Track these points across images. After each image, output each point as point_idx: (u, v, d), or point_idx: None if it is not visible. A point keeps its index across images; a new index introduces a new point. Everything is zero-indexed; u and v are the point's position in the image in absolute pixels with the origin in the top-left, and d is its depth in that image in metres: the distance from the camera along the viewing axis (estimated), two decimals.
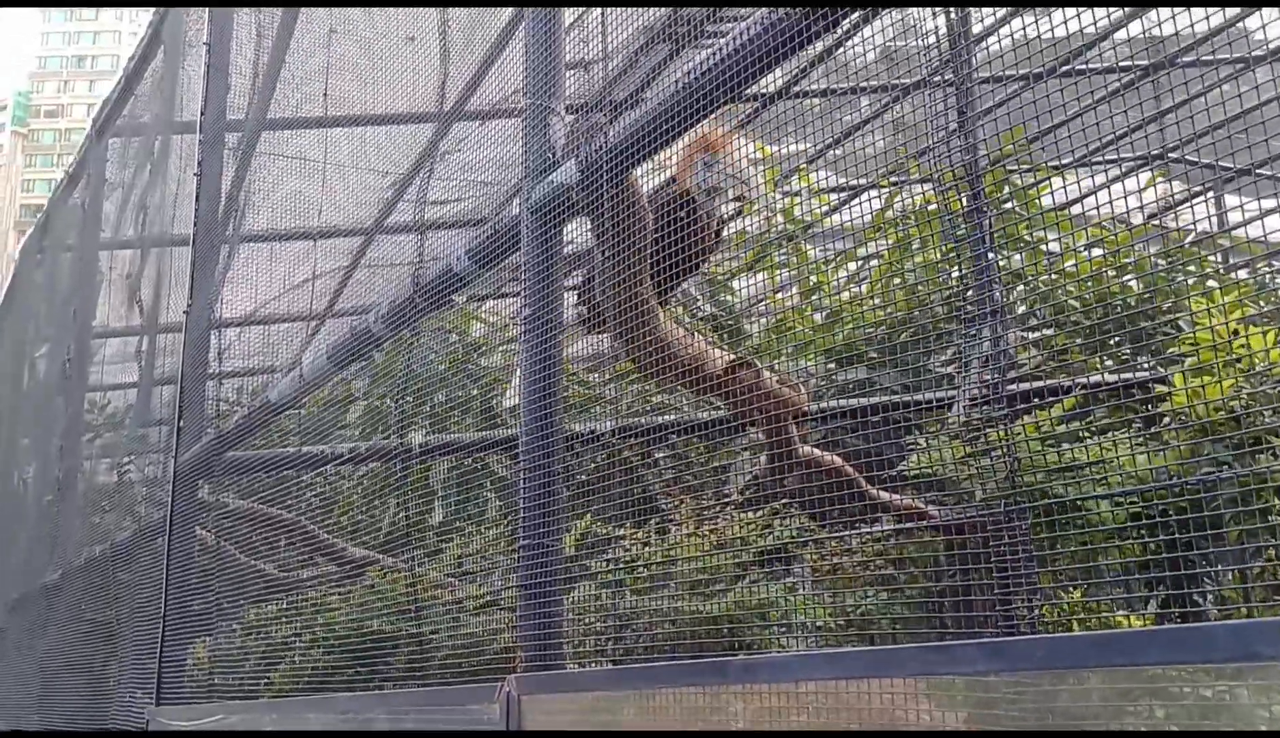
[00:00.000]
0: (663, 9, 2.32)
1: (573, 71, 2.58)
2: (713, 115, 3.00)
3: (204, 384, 4.92)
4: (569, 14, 2.52)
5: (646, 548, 2.94)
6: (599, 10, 2.37)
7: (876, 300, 3.89)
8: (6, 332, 11.41)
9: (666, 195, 2.86)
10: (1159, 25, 1.87)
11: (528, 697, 2.17)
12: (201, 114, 5.14)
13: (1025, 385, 3.51)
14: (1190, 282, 3.65)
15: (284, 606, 4.10)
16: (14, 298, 11.01)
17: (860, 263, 4.38)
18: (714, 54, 1.93)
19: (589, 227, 2.50)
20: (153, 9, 6.89)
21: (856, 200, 3.98)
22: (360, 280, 4.09)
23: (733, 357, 3.15)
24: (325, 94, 3.90)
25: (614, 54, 2.38)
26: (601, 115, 2.29)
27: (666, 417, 3.62)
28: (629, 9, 2.30)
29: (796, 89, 2.99)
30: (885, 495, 3.12)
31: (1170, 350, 3.13)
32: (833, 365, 3.71)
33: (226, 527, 4.63)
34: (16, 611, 8.98)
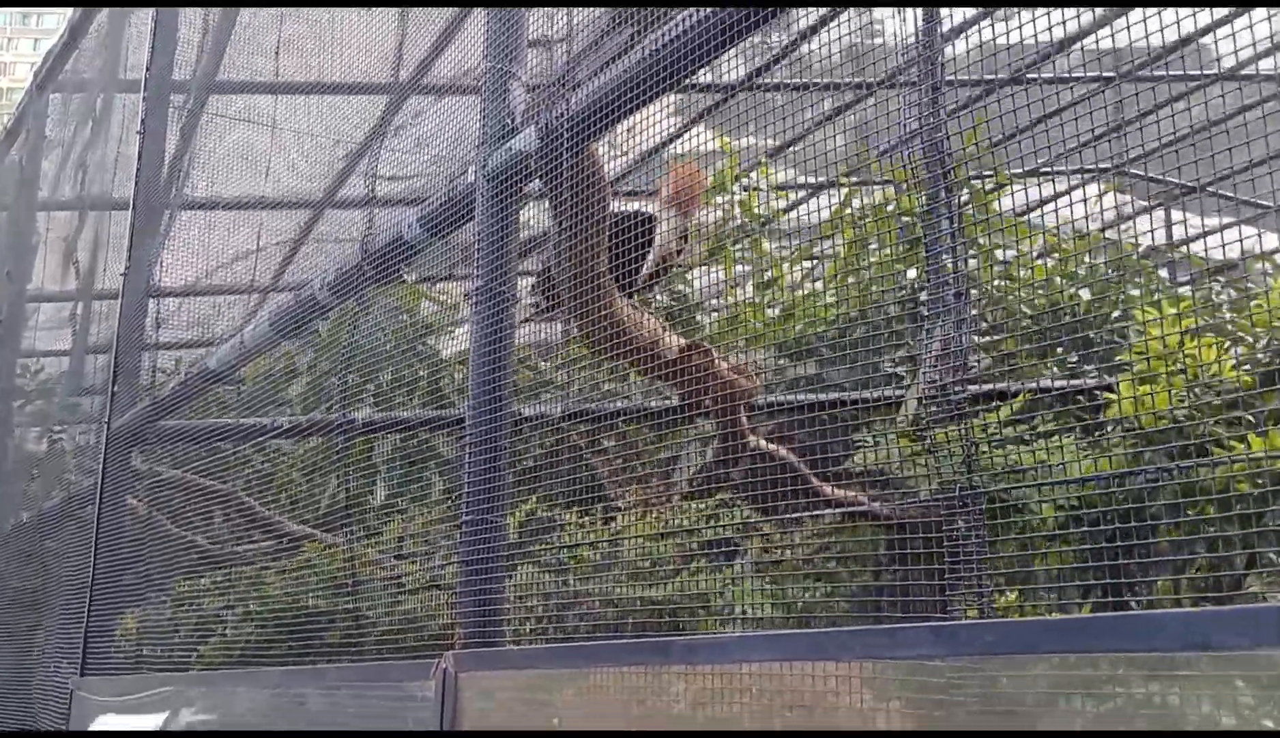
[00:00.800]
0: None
1: (535, 47, 2.53)
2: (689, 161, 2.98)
3: (140, 351, 4.79)
4: None
5: (591, 533, 2.91)
6: None
7: (831, 297, 3.90)
8: None
9: (631, 219, 2.83)
10: (1115, 35, 1.87)
11: (465, 674, 2.12)
12: (147, 70, 4.99)
13: (974, 388, 3.54)
14: (1137, 293, 3.71)
15: (218, 579, 4.01)
16: None
17: (814, 262, 4.39)
18: (681, 22, 1.89)
19: (547, 203, 2.46)
20: None
21: (813, 197, 3.99)
22: (308, 254, 4.00)
23: (686, 341, 3.13)
24: (277, 53, 3.79)
25: (579, 29, 2.33)
26: (565, 81, 2.25)
27: (616, 403, 3.59)
28: None
29: (759, 82, 2.97)
30: (832, 490, 3.12)
31: (1118, 358, 3.17)
32: (784, 360, 3.71)
33: (160, 497, 4.52)
34: None
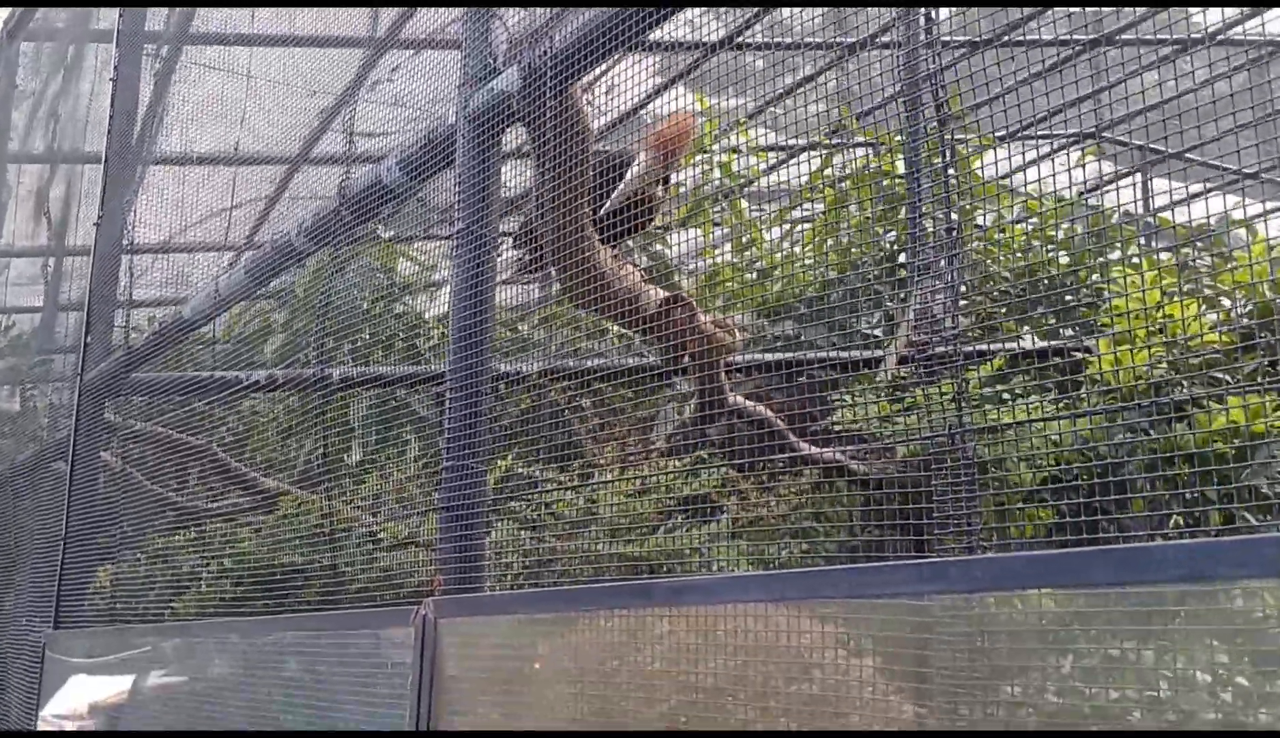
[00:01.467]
0: None
1: None
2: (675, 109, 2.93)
3: (114, 303, 4.72)
4: None
5: (570, 491, 2.89)
6: None
7: (811, 258, 3.88)
8: None
9: (613, 159, 2.78)
10: None
11: (445, 621, 2.10)
12: (120, 16, 4.87)
13: (953, 347, 3.54)
14: (1115, 257, 3.71)
15: (192, 534, 3.97)
16: None
17: (793, 224, 4.38)
18: None
19: (529, 148, 2.41)
20: None
21: (795, 160, 3.96)
22: (284, 209, 3.93)
23: (668, 293, 3.10)
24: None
25: None
26: (548, 21, 2.20)
27: (596, 359, 3.56)
28: None
29: (740, 40, 2.92)
30: (810, 448, 3.11)
31: (1094, 321, 3.17)
32: (764, 320, 3.69)
33: (134, 451, 4.46)
34: None
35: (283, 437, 3.85)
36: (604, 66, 2.14)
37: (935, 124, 1.91)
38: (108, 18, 5.26)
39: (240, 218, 4.15)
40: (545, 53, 2.14)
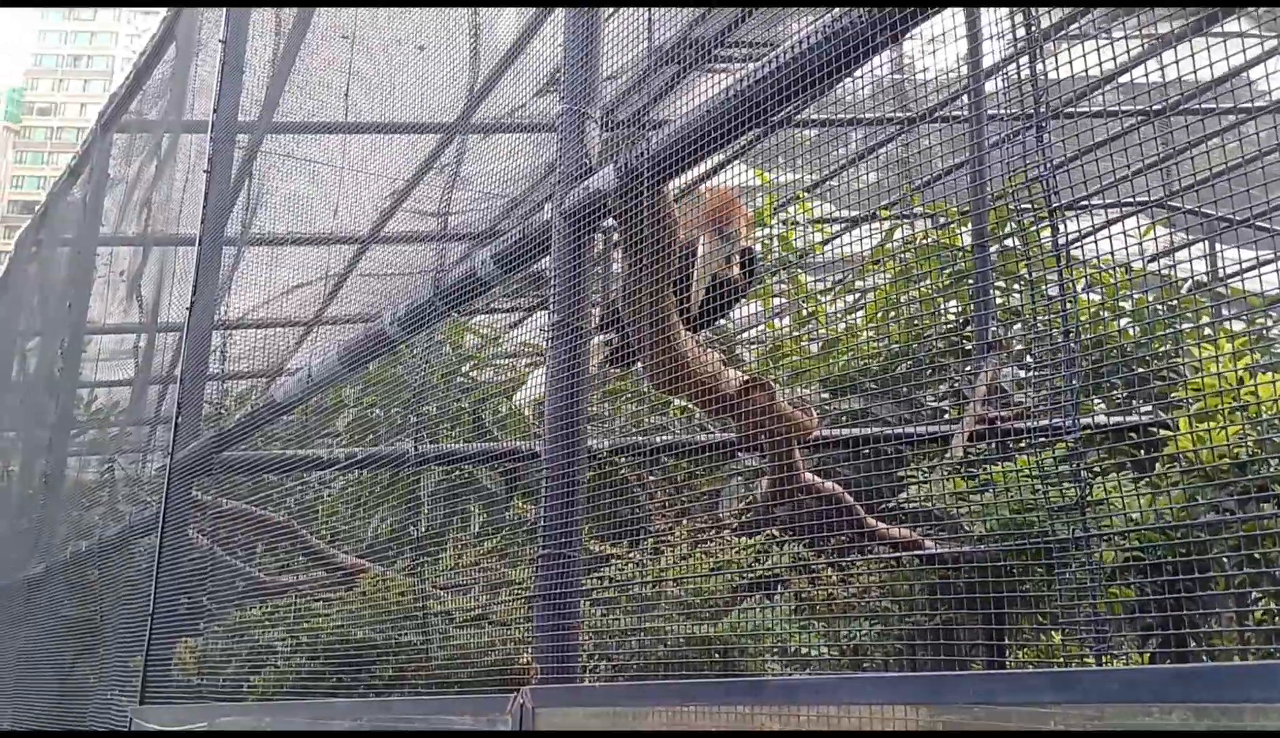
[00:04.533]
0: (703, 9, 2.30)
1: (610, 81, 2.56)
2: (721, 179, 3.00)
3: (204, 382, 4.86)
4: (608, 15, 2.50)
5: (663, 570, 2.90)
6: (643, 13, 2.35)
7: (885, 331, 3.90)
8: None
9: (685, 249, 2.85)
10: (1164, 68, 1.85)
11: (543, 709, 2.12)
12: (214, 111, 5.10)
13: (1021, 423, 3.51)
14: (1186, 328, 3.67)
15: (277, 610, 4.03)
16: (6, 288, 10.91)
17: (859, 295, 4.40)
18: (768, 63, 1.91)
19: (619, 237, 2.48)
20: (162, 9, 6.86)
21: (858, 234, 3.97)
22: (374, 288, 4.05)
23: (748, 376, 3.13)
24: (346, 94, 3.86)
25: (656, 65, 2.36)
26: (643, 122, 2.27)
27: (667, 436, 3.60)
28: (673, 9, 2.28)
29: (802, 118, 2.98)
30: (899, 532, 3.10)
31: (1174, 395, 3.12)
32: (828, 395, 3.70)
33: (223, 529, 4.56)
34: None
35: (370, 514, 3.92)
36: (696, 166, 2.20)
37: (1045, 204, 1.91)
38: (202, 109, 5.49)
39: (330, 298, 4.28)
40: (642, 153, 2.21)
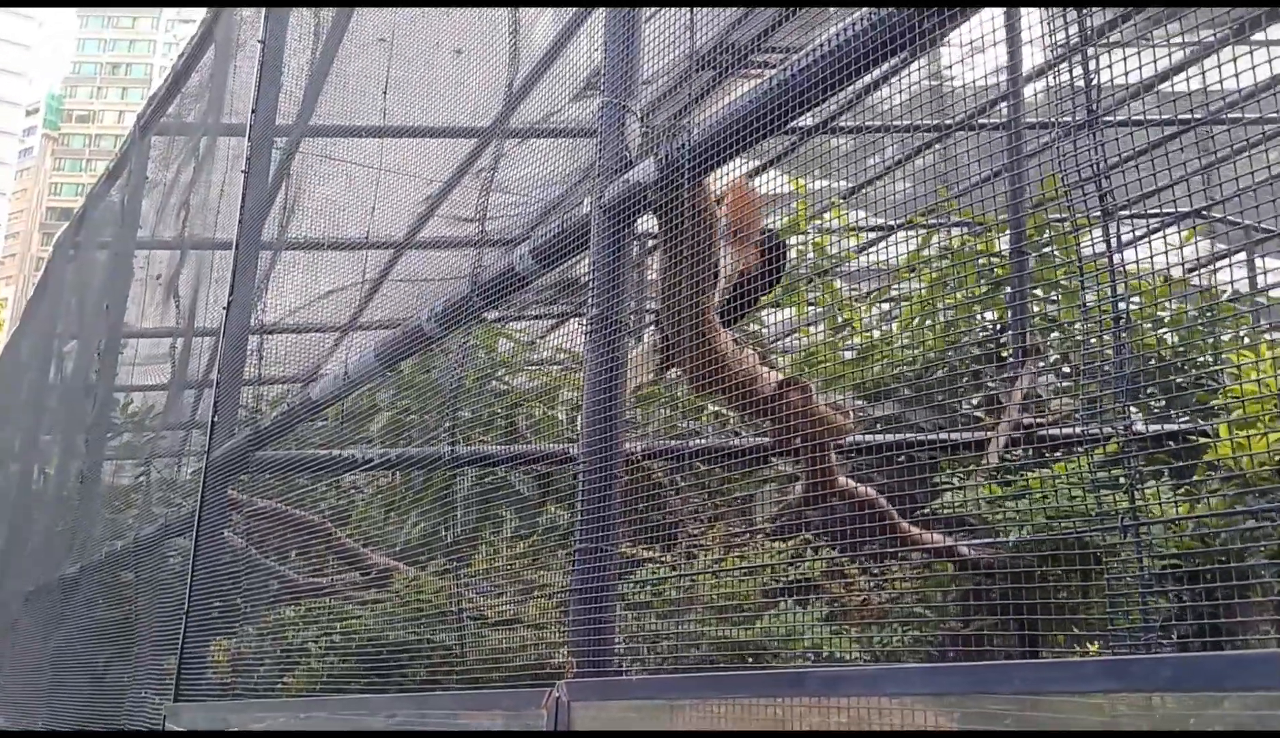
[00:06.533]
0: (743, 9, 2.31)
1: (651, 75, 2.57)
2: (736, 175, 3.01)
3: (240, 384, 4.90)
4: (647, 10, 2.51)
5: (699, 574, 2.90)
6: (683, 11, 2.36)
7: (909, 337, 3.88)
8: (35, 325, 11.45)
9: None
10: (1207, 72, 1.82)
11: (579, 703, 2.11)
12: (252, 113, 5.15)
13: (1059, 430, 3.49)
14: (1226, 338, 3.64)
15: (313, 609, 4.05)
16: (44, 291, 11.06)
17: (897, 301, 4.38)
18: (810, 53, 1.90)
19: (659, 229, 2.48)
20: (204, 8, 6.95)
21: (892, 240, 3.96)
22: (410, 293, 4.08)
23: (784, 376, 3.12)
24: (384, 93, 3.89)
25: (695, 68, 2.36)
26: (685, 114, 2.27)
27: (703, 439, 3.59)
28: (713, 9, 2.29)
29: (836, 125, 2.97)
30: (936, 536, 3.08)
31: (1214, 403, 3.10)
32: (864, 401, 3.69)
33: (257, 530, 4.60)
34: (31, 602, 8.95)
35: (402, 518, 3.94)
36: (738, 158, 2.20)
37: (1099, 210, 1.89)
38: (239, 111, 5.55)
39: (368, 299, 4.31)
40: (683, 145, 2.21)
